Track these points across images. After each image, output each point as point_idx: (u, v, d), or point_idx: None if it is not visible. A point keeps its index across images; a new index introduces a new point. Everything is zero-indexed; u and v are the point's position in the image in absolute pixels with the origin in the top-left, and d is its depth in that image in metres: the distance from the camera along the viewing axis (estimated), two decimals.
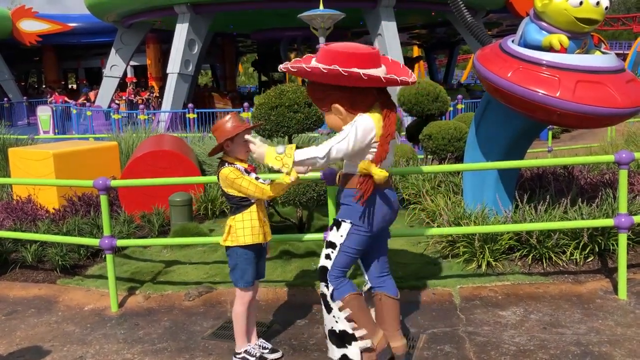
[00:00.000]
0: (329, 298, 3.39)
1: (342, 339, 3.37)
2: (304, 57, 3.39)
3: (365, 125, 3.18)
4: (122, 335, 4.20)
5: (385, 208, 3.37)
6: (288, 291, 4.74)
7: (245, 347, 3.63)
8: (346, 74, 3.03)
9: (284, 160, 3.09)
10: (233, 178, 3.36)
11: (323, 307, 3.44)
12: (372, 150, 3.23)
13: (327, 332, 3.45)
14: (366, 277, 3.62)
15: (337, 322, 3.38)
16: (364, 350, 3.37)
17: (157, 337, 4.14)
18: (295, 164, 3.11)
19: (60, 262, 5.40)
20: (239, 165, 3.43)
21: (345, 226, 3.33)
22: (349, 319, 3.37)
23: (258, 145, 3.27)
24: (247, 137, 3.32)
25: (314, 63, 3.18)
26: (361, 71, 3.03)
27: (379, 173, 3.15)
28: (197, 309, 4.59)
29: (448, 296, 4.52)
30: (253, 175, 3.48)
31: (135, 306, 4.71)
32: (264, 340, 3.77)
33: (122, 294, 4.88)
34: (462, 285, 4.68)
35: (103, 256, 5.54)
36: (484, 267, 4.84)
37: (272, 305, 4.56)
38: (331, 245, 3.38)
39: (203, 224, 6.65)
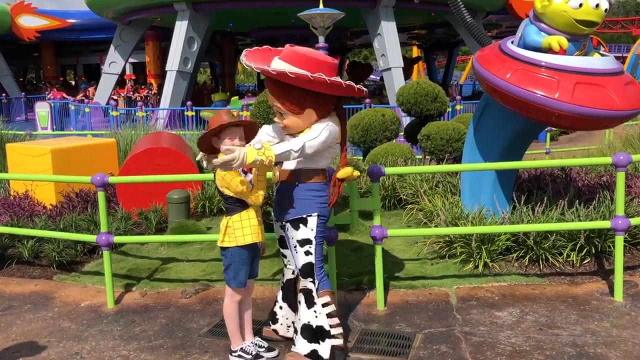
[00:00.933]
0: (314, 293, 3.47)
1: (317, 334, 3.45)
2: (262, 48, 3.47)
3: (335, 128, 3.42)
4: (118, 332, 4.20)
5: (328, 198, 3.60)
6: None
7: (241, 345, 3.63)
8: (345, 86, 3.22)
9: (266, 153, 3.13)
10: (229, 180, 3.33)
11: (303, 302, 3.50)
12: (331, 150, 3.51)
13: (300, 327, 3.50)
14: (293, 266, 3.75)
15: (316, 317, 3.46)
16: (334, 348, 3.46)
17: (154, 334, 4.13)
18: (275, 157, 3.19)
19: (56, 258, 5.39)
20: None
21: (313, 220, 3.46)
22: (329, 315, 3.46)
23: (238, 149, 3.09)
24: (224, 147, 3.25)
25: (286, 66, 3.22)
26: (344, 82, 3.23)
27: (349, 170, 3.53)
28: (193, 306, 4.59)
29: (444, 296, 4.53)
30: (250, 176, 3.44)
31: (131, 303, 4.70)
32: (260, 339, 3.77)
33: (119, 291, 4.87)
34: (458, 285, 4.69)
35: (100, 253, 5.54)
36: (480, 267, 4.84)
37: (269, 303, 4.55)
38: (306, 242, 3.47)
39: (200, 221, 6.64)
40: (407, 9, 18.50)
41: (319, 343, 3.44)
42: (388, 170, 4.35)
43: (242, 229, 3.44)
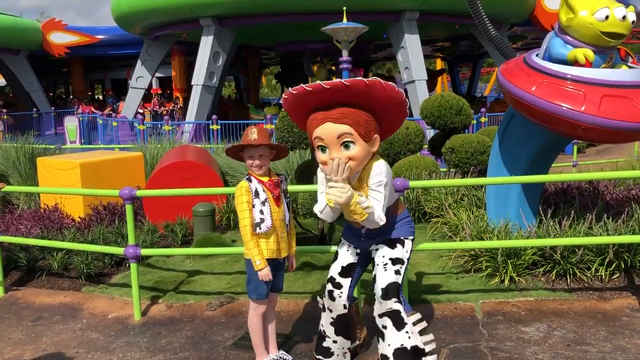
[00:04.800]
0: (403, 313, 3.32)
1: (415, 355, 3.28)
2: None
3: (387, 166, 3.27)
4: (144, 344, 4.25)
5: None
6: (309, 303, 4.75)
7: (265, 358, 3.64)
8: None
9: (363, 212, 3.08)
10: (235, 199, 3.46)
11: (391, 325, 3.30)
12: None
13: (391, 352, 3.28)
14: (353, 291, 3.61)
15: (409, 337, 3.29)
16: None
17: (179, 347, 4.17)
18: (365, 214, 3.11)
19: (85, 270, 5.49)
20: (256, 180, 3.45)
21: (409, 243, 3.47)
22: (422, 333, 3.38)
23: (349, 188, 3.01)
24: (329, 188, 3.03)
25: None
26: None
27: None
28: (218, 319, 4.62)
29: (470, 311, 4.49)
30: (267, 207, 3.41)
31: (157, 315, 4.76)
32: (284, 352, 3.78)
33: (145, 303, 4.93)
34: (484, 300, 4.64)
35: (127, 265, 5.62)
36: (506, 282, 4.79)
37: (293, 316, 4.57)
38: (399, 261, 3.39)
39: (225, 234, 6.70)
40: (430, 22, 18.50)
41: None
42: (412, 183, 4.34)
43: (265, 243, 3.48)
